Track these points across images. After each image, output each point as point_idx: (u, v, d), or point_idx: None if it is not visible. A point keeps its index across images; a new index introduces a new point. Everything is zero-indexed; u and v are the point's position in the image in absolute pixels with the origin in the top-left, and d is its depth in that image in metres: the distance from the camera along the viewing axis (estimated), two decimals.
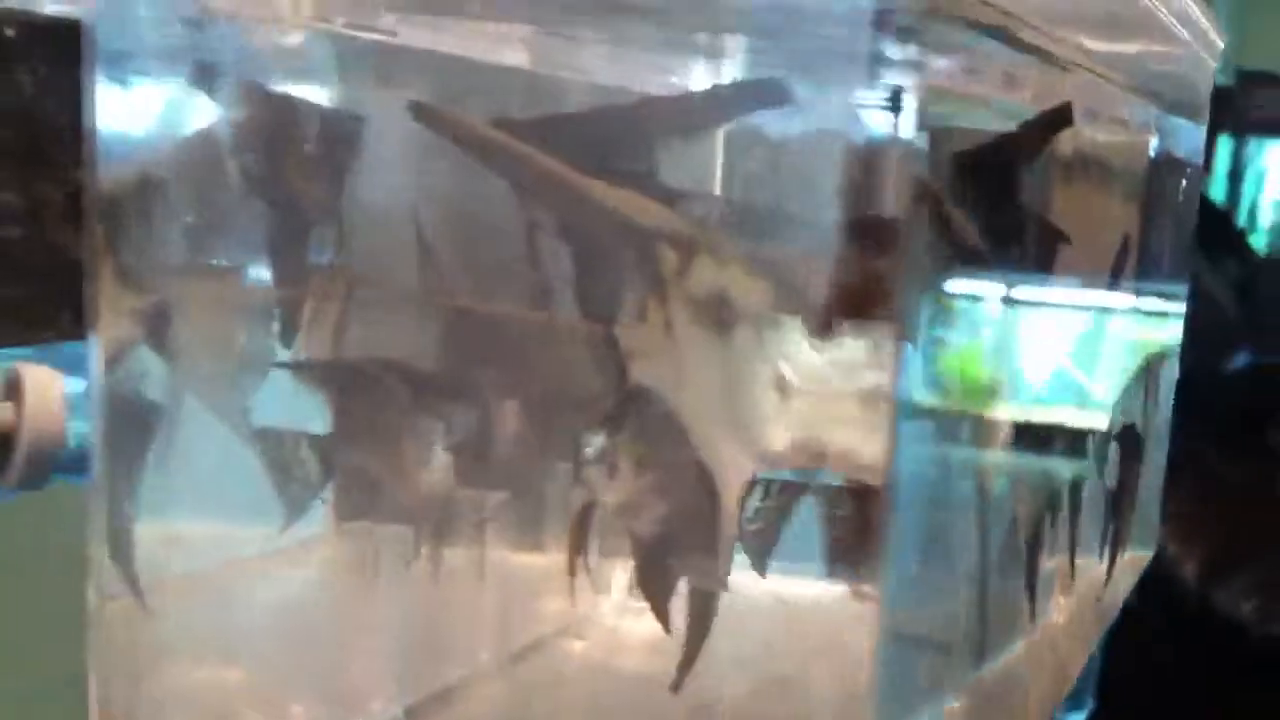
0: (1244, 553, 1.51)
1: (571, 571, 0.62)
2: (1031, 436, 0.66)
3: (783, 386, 0.48)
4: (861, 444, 0.46)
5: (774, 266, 0.48)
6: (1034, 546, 0.69)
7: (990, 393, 0.60)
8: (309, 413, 0.59)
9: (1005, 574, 0.65)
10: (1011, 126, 0.56)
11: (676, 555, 0.52)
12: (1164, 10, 0.70)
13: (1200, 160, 0.95)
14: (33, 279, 0.55)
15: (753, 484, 0.51)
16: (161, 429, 0.55)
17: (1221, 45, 0.85)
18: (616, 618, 0.71)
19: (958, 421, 0.57)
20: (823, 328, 0.46)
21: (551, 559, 0.69)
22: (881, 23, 0.43)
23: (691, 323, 0.49)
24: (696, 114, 0.54)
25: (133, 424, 0.55)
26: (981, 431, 0.60)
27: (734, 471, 0.50)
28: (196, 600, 0.58)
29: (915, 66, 0.43)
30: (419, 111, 0.53)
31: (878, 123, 0.43)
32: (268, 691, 0.60)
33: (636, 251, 0.51)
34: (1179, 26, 0.74)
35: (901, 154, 0.43)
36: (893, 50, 0.43)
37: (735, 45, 0.55)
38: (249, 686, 0.60)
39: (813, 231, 0.46)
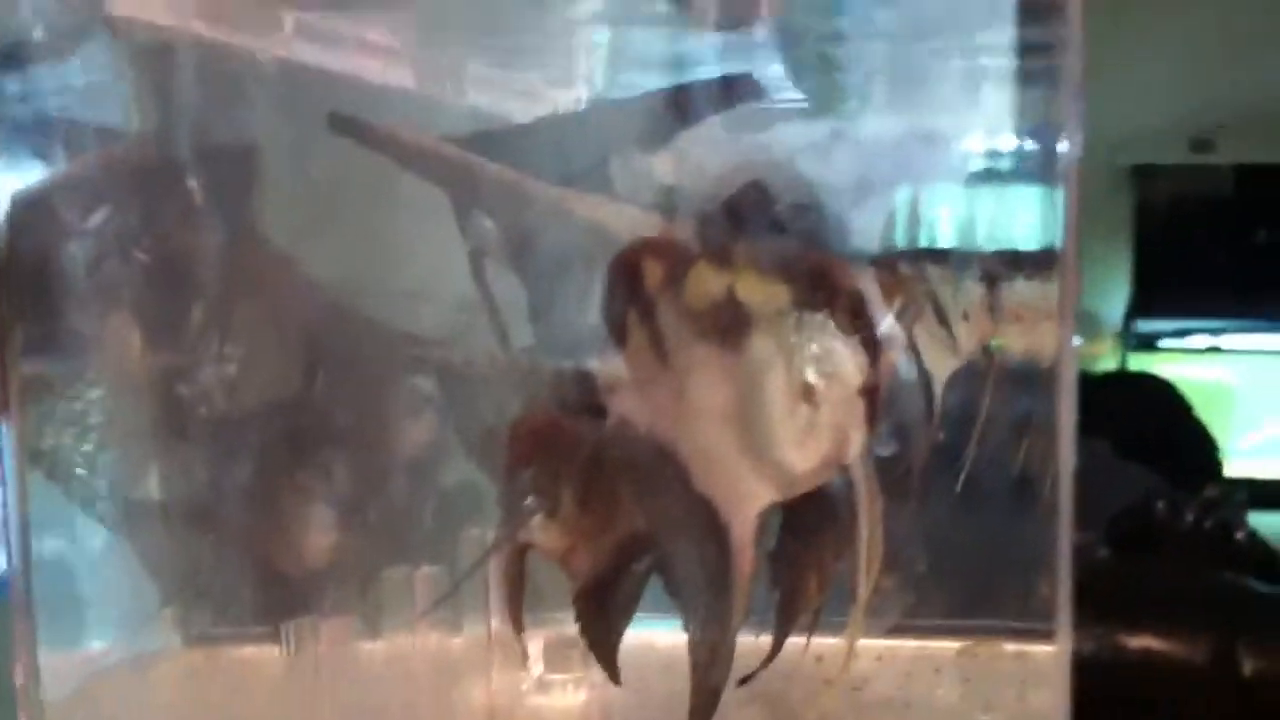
0: None
1: (517, 628, 0.54)
2: None
3: (808, 395, 0.43)
4: None
5: (796, 263, 0.42)
6: None
7: None
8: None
9: None
10: None
11: (682, 604, 0.46)
12: None
13: None
14: None
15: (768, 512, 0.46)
16: None
17: None
18: (539, 694, 0.64)
19: None
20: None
21: (470, 635, 0.62)
22: None
23: (690, 339, 0.44)
24: (659, 117, 0.49)
25: None
26: None
27: (747, 502, 0.45)
28: None
29: None
30: (339, 123, 0.46)
31: None
32: None
33: (612, 265, 0.45)
34: None
35: None
36: None
37: None
38: None
39: None
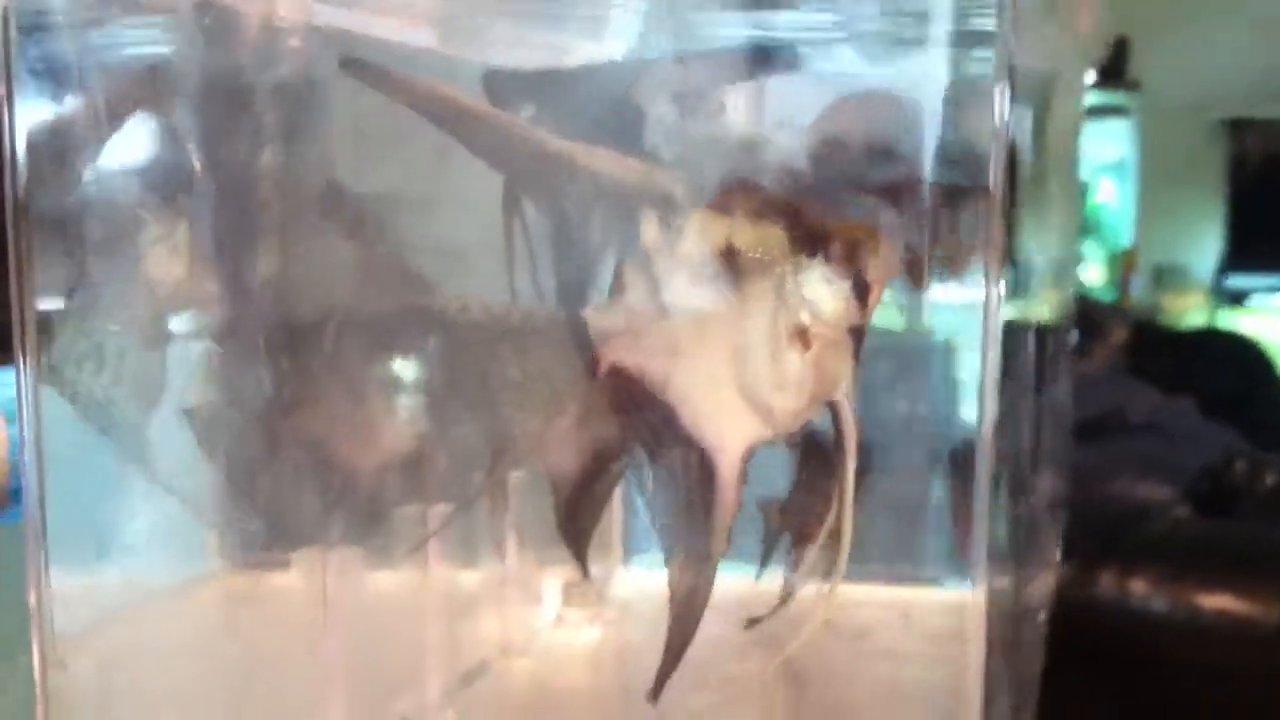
0: None
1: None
2: None
3: (802, 336, 0.43)
4: None
5: (791, 211, 0.43)
6: None
7: None
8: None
9: None
10: None
11: (671, 537, 0.47)
12: None
13: None
14: None
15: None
16: None
17: None
18: (555, 630, 0.66)
19: None
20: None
21: (485, 572, 0.63)
22: None
23: (686, 288, 0.44)
24: (697, 78, 0.49)
25: None
26: None
27: (735, 441, 0.45)
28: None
29: None
30: (351, 66, 0.47)
31: None
32: None
33: (615, 216, 0.45)
34: None
35: None
36: None
37: None
38: None
39: None
